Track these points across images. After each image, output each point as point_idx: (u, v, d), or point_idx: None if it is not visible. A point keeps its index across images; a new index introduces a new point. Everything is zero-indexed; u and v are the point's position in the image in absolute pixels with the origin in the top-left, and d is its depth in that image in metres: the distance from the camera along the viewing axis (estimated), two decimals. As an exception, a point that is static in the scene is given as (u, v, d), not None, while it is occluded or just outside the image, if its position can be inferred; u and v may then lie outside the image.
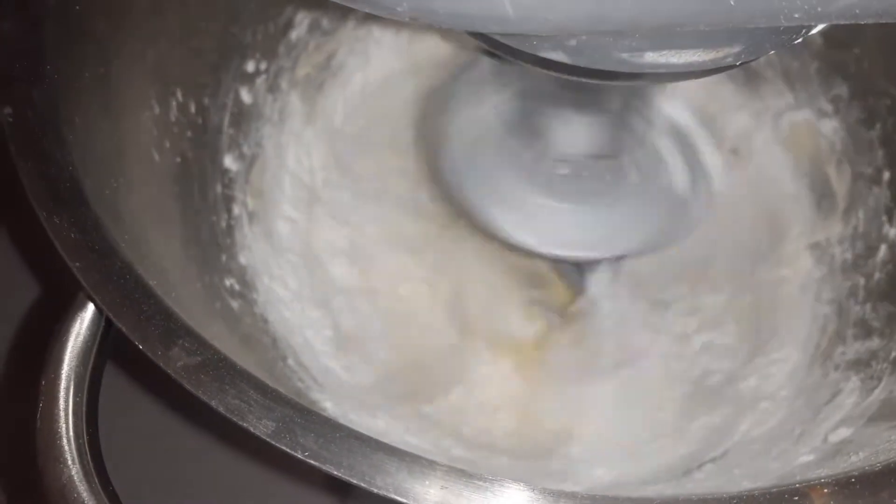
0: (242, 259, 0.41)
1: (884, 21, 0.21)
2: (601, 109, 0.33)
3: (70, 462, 0.22)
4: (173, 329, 0.22)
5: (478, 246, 0.43)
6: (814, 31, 0.25)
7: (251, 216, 0.43)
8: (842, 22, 0.20)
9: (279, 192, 0.46)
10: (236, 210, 0.42)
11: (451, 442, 0.40)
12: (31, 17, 0.29)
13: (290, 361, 0.39)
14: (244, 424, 0.21)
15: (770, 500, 0.20)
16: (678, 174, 0.35)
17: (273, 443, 0.21)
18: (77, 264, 0.23)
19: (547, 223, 0.34)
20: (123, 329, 0.22)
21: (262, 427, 0.21)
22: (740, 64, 0.25)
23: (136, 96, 0.36)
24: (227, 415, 0.21)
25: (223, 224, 0.41)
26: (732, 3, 0.18)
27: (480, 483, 0.20)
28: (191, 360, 0.22)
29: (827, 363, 0.40)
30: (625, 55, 0.23)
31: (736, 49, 0.24)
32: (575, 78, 0.25)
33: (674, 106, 0.38)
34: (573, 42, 0.23)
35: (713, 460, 0.37)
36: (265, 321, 0.40)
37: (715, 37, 0.24)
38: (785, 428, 0.37)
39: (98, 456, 0.23)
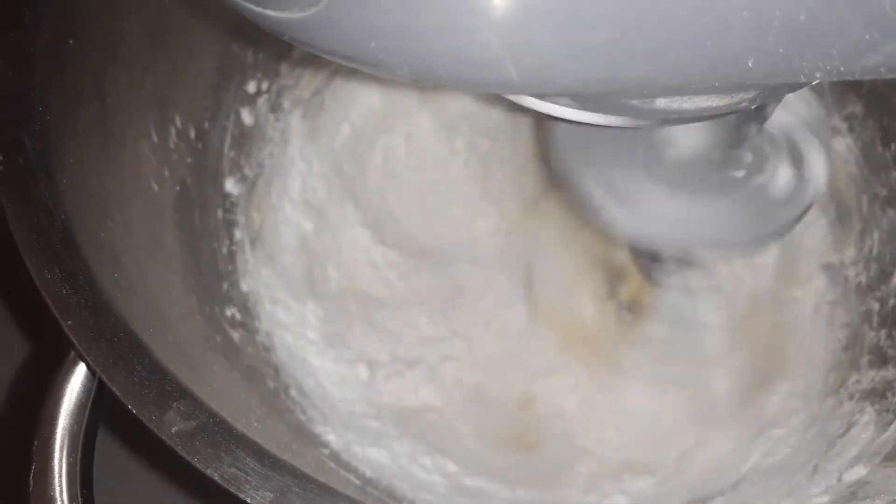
0: (244, 285, 0.41)
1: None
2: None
3: (64, 525, 0.22)
4: (168, 391, 0.22)
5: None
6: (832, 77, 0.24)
7: (253, 240, 0.43)
8: (866, 79, 0.19)
9: (281, 215, 0.45)
10: (238, 234, 0.42)
11: (458, 469, 0.39)
12: (22, 57, 0.28)
13: (293, 392, 0.38)
14: (241, 495, 0.20)
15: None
16: (783, 178, 0.34)
17: (270, 514, 0.20)
18: (69, 323, 0.22)
19: (647, 208, 0.33)
20: (116, 392, 0.22)
21: (259, 498, 0.20)
22: (758, 104, 0.24)
23: (134, 127, 0.35)
24: (224, 485, 0.20)
25: (224, 250, 0.40)
26: (750, 65, 0.17)
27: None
28: (186, 426, 0.21)
29: (841, 391, 0.39)
30: (635, 102, 0.22)
31: (751, 94, 0.23)
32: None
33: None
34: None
35: (723, 493, 0.37)
36: (267, 350, 0.40)
37: (728, 87, 0.23)
38: (798, 460, 0.36)
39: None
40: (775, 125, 0.35)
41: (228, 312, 0.38)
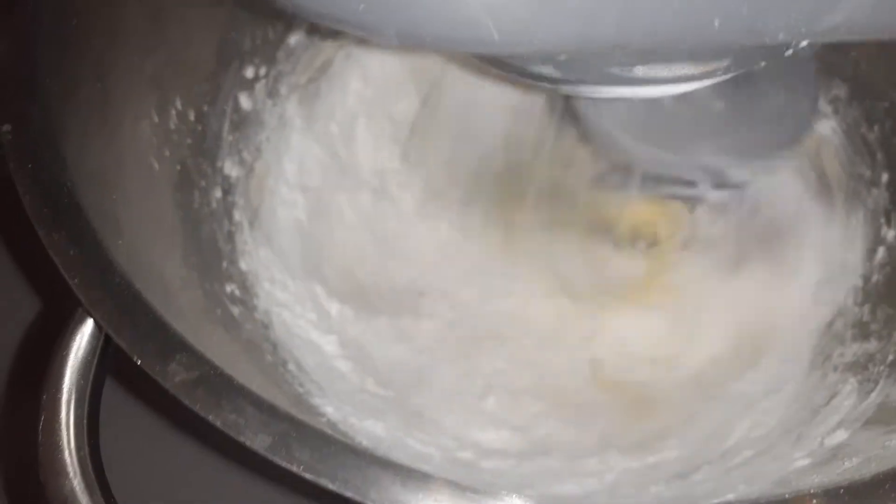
0: (243, 265, 0.42)
1: (869, 39, 0.21)
2: None
3: (72, 474, 0.23)
4: (171, 344, 0.23)
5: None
6: (803, 43, 0.25)
7: (252, 221, 0.44)
8: (827, 41, 0.20)
9: (279, 198, 0.46)
10: (237, 216, 0.43)
11: (454, 444, 0.40)
12: (26, 37, 0.29)
13: (291, 366, 0.39)
14: (241, 439, 0.21)
15: (759, 510, 0.20)
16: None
17: (269, 457, 0.21)
18: (76, 280, 0.23)
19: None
20: (122, 345, 0.22)
21: (258, 441, 0.21)
22: (731, 75, 0.25)
23: (135, 107, 0.36)
24: (224, 429, 0.21)
25: (224, 230, 0.41)
26: (716, 25, 0.18)
27: (475, 496, 0.21)
28: (188, 376, 0.22)
29: (826, 364, 0.40)
30: (615, 69, 0.24)
31: (725, 63, 0.24)
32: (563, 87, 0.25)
33: None
34: (562, 57, 0.23)
35: (710, 462, 0.38)
36: (266, 326, 0.40)
37: (703, 52, 0.24)
38: (783, 429, 0.37)
39: (99, 468, 0.23)
40: None
41: (228, 289, 0.39)
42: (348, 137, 0.49)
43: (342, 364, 0.42)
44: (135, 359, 0.22)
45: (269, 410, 0.22)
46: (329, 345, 0.43)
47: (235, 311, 0.38)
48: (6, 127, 0.26)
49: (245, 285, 0.41)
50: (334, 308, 0.44)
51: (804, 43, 0.25)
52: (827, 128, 0.45)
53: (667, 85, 0.25)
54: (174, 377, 0.22)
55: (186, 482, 0.33)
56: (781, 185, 0.47)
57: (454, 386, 0.43)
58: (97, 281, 0.24)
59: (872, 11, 0.20)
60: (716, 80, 0.26)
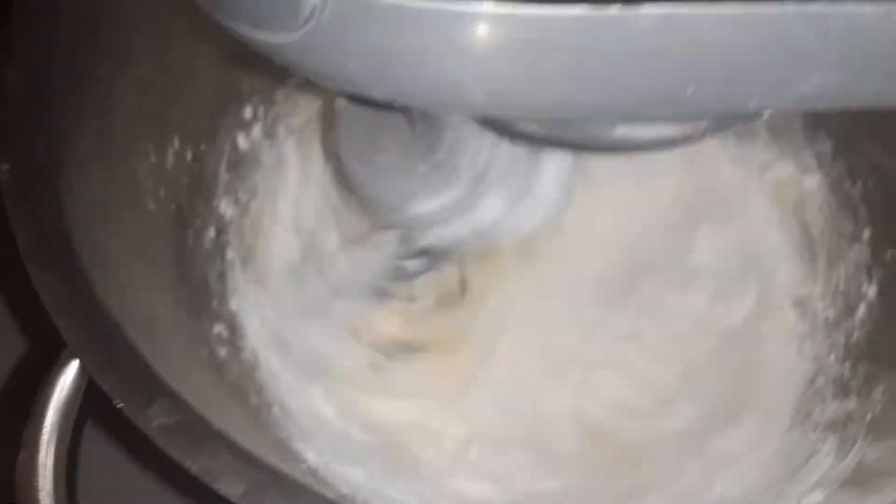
0: (233, 304, 0.42)
1: (839, 108, 0.21)
2: None
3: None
4: (154, 388, 0.23)
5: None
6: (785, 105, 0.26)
7: (245, 260, 0.44)
8: (800, 109, 0.20)
9: (273, 238, 0.46)
10: (230, 255, 0.43)
11: (434, 493, 0.40)
12: (37, 65, 0.30)
13: (276, 409, 0.39)
14: (215, 486, 0.21)
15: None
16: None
17: (243, 505, 0.21)
18: (63, 322, 0.24)
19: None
20: (104, 388, 0.23)
21: (232, 489, 0.21)
22: (709, 137, 0.26)
23: (135, 146, 0.36)
24: (199, 475, 0.22)
25: (216, 269, 0.42)
26: (688, 94, 0.19)
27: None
28: (167, 420, 0.22)
29: (807, 422, 0.40)
30: (597, 130, 0.24)
31: (703, 125, 0.25)
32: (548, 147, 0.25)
33: None
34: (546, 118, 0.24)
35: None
36: (252, 368, 0.41)
37: (683, 114, 0.25)
38: (763, 487, 0.37)
39: (75, 509, 0.23)
40: None
41: (216, 329, 0.39)
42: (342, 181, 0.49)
43: (327, 408, 0.42)
44: (116, 402, 0.23)
45: (245, 457, 0.22)
46: (315, 388, 0.43)
47: (222, 352, 0.38)
48: (5, 166, 0.27)
49: (234, 325, 0.41)
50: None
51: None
52: (812, 182, 0.46)
53: (648, 149, 0.26)
54: (153, 421, 0.22)
55: None
56: (771, 239, 0.47)
57: (438, 431, 0.43)
58: (84, 323, 0.24)
59: (843, 83, 0.20)
60: (696, 143, 0.27)
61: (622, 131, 0.24)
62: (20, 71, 0.30)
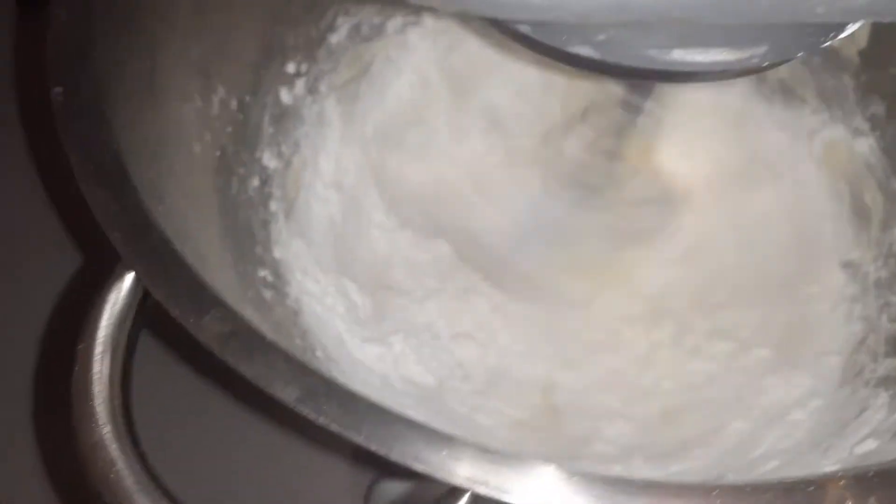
0: (277, 253, 0.42)
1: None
2: None
3: (102, 422, 0.23)
4: (206, 299, 0.23)
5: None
6: (843, 34, 0.25)
7: (287, 213, 0.44)
8: (866, 19, 0.20)
9: (314, 193, 0.47)
10: (273, 206, 0.43)
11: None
12: (84, 7, 0.30)
13: (319, 353, 0.39)
14: (270, 391, 0.21)
15: (784, 488, 0.20)
16: None
17: (297, 408, 0.21)
18: (116, 235, 0.24)
19: None
20: (158, 297, 0.23)
21: (287, 393, 0.21)
22: (766, 66, 0.26)
23: (180, 89, 0.37)
24: (254, 381, 0.22)
25: (260, 218, 0.42)
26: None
27: (498, 458, 0.21)
28: (222, 329, 0.22)
29: (857, 380, 0.39)
30: (652, 52, 0.24)
31: (762, 49, 0.25)
32: (606, 77, 0.25)
33: None
34: (601, 37, 0.24)
35: (736, 471, 0.37)
36: (296, 314, 0.41)
37: (740, 36, 0.24)
38: (812, 441, 0.37)
39: (129, 417, 0.23)
40: None
41: (261, 273, 0.39)
42: (383, 140, 0.49)
43: (368, 359, 0.42)
44: (171, 311, 0.23)
45: (299, 366, 0.22)
46: (356, 339, 0.43)
47: (267, 294, 0.38)
48: (58, 89, 0.27)
49: (278, 272, 0.41)
50: (363, 305, 0.45)
51: (845, 33, 0.26)
52: (864, 145, 0.45)
53: (703, 77, 0.25)
54: (208, 330, 0.22)
55: (212, 432, 0.34)
56: (819, 203, 0.47)
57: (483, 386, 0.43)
58: (137, 236, 0.24)
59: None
60: (751, 73, 0.26)
61: (678, 53, 0.24)
62: (68, 7, 0.31)
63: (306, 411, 0.21)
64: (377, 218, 0.47)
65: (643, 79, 0.25)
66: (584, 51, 0.24)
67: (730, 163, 0.49)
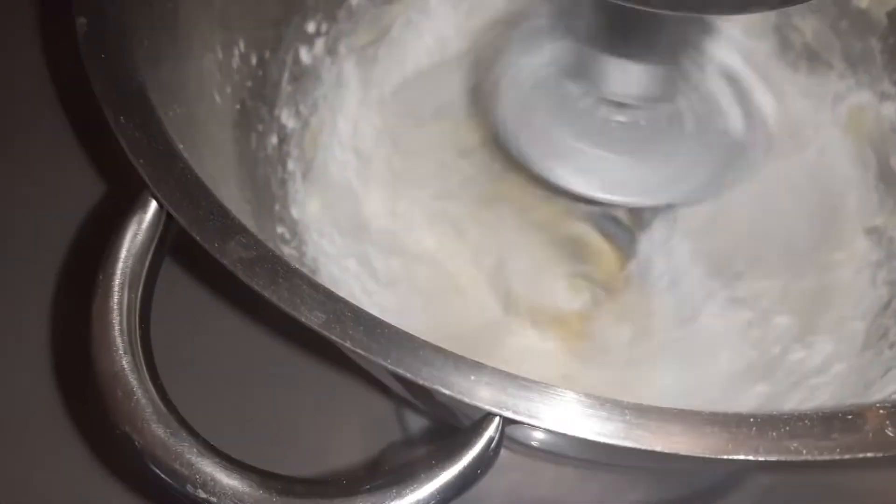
0: (294, 212, 0.42)
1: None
2: (654, 55, 0.33)
3: (121, 353, 0.23)
4: (230, 226, 0.23)
5: (524, 217, 0.43)
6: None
7: (305, 173, 0.44)
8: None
9: (331, 155, 0.46)
10: (291, 165, 0.43)
11: None
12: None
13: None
14: (296, 314, 0.21)
15: (822, 418, 0.20)
16: (734, 118, 0.34)
17: (323, 332, 0.21)
18: (141, 161, 0.24)
19: (604, 171, 0.34)
20: (182, 222, 0.23)
21: (313, 318, 0.21)
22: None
23: (201, 38, 0.36)
24: (279, 304, 0.21)
25: (278, 176, 0.42)
26: None
27: (526, 383, 0.20)
28: (246, 254, 0.22)
29: (881, 342, 0.39)
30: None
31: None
32: (640, 7, 0.24)
33: (725, 52, 0.37)
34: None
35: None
36: (313, 273, 0.40)
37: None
38: (836, 402, 0.36)
39: (148, 348, 0.23)
40: (716, 73, 0.36)
41: (279, 230, 0.39)
42: (401, 105, 0.49)
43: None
44: (195, 236, 0.22)
45: (324, 292, 0.22)
46: (373, 302, 0.43)
47: (285, 250, 0.38)
48: (82, 20, 0.26)
49: (295, 231, 0.41)
50: (380, 267, 0.44)
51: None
52: (891, 109, 0.44)
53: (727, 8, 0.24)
54: (233, 255, 0.22)
55: (233, 362, 0.33)
56: (843, 169, 0.46)
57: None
58: (161, 163, 0.24)
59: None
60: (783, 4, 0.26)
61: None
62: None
63: (332, 336, 0.21)
64: (389, 184, 0.47)
65: (671, 9, 0.24)
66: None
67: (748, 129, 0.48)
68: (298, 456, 0.35)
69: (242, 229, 0.23)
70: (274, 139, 0.42)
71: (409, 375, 0.20)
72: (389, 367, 0.20)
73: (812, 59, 0.48)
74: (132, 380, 0.23)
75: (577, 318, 0.42)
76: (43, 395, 0.32)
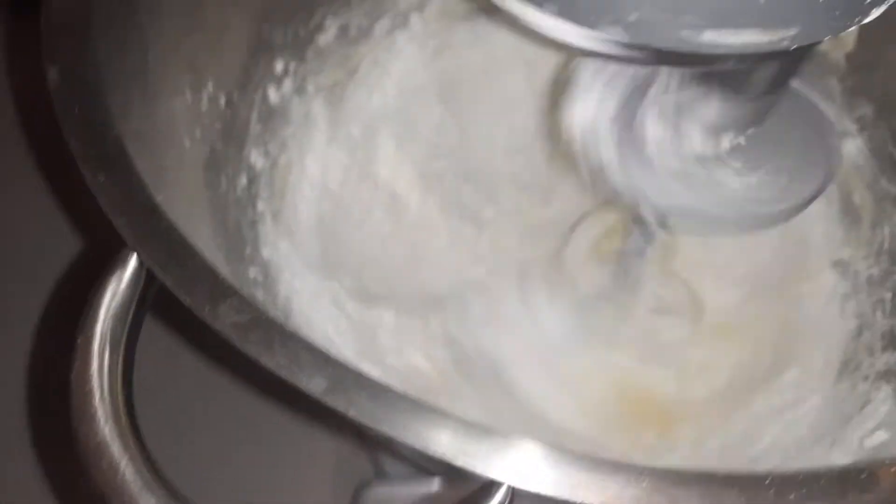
0: (265, 253, 0.41)
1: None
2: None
3: (103, 421, 0.22)
4: (220, 287, 0.22)
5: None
6: (868, 18, 0.25)
7: (275, 214, 0.43)
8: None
9: (300, 194, 0.45)
10: (260, 206, 0.42)
11: None
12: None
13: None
14: (295, 382, 0.20)
15: (836, 477, 0.20)
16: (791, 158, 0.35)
17: (325, 401, 0.20)
18: (122, 220, 0.23)
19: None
20: (170, 285, 0.22)
21: (314, 385, 0.20)
22: (795, 49, 0.25)
23: (171, 83, 0.35)
24: (278, 372, 0.20)
25: (248, 218, 0.41)
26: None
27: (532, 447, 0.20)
28: (240, 318, 0.21)
29: (855, 374, 0.39)
30: (684, 32, 0.23)
31: (792, 31, 0.24)
32: (632, 60, 0.24)
33: None
34: (633, 17, 0.23)
35: (740, 468, 0.37)
36: (286, 315, 0.39)
37: (772, 18, 0.24)
38: (815, 436, 0.36)
39: (132, 414, 0.22)
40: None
41: (251, 273, 0.38)
42: (369, 144, 0.48)
43: (361, 364, 0.41)
44: (183, 300, 0.21)
45: (323, 356, 0.21)
46: (344, 342, 0.42)
47: (259, 294, 0.37)
48: (53, 70, 0.25)
49: (267, 272, 0.40)
50: (350, 307, 0.44)
51: (869, 18, 0.25)
52: (853, 147, 0.45)
53: (733, 60, 0.25)
54: (225, 319, 0.21)
55: (217, 421, 0.32)
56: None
57: (471, 397, 0.42)
58: (143, 222, 0.23)
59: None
60: (782, 53, 0.26)
61: (710, 35, 0.24)
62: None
63: (335, 403, 0.20)
64: (363, 222, 0.46)
65: (668, 63, 0.25)
66: (614, 33, 0.24)
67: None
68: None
69: (233, 291, 0.22)
70: (244, 180, 0.41)
71: (418, 445, 0.19)
72: (396, 436, 0.20)
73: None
74: (115, 449, 0.21)
75: None
76: (25, 468, 0.30)
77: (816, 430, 0.37)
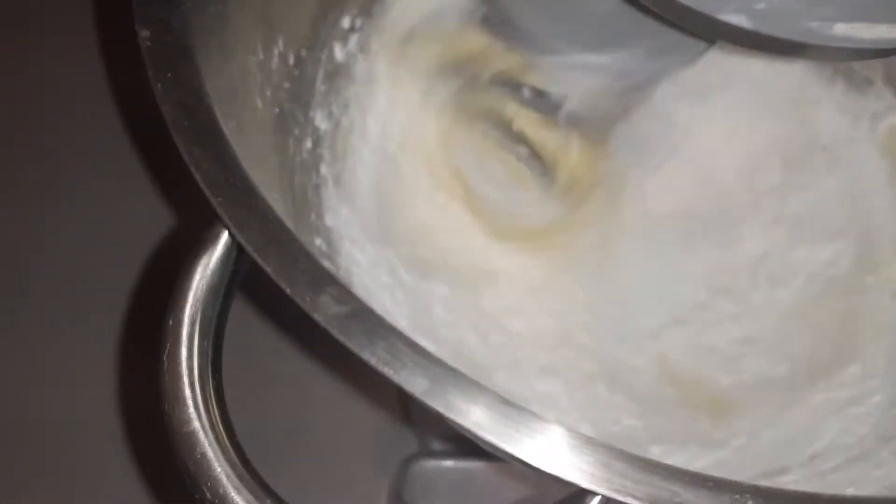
0: (328, 220, 0.40)
1: None
2: None
3: (193, 411, 0.21)
4: (320, 275, 0.21)
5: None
6: None
7: (336, 178, 0.42)
8: None
9: (360, 158, 0.45)
10: (323, 170, 0.41)
11: None
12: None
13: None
14: (396, 379, 0.20)
15: None
16: None
17: (424, 401, 0.20)
18: (219, 199, 0.22)
19: None
20: (269, 271, 0.21)
21: (415, 384, 0.20)
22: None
23: (246, 39, 0.34)
24: (380, 368, 0.20)
25: (312, 182, 0.40)
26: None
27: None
28: (341, 309, 0.21)
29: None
30: (814, 24, 0.22)
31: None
32: (755, 50, 0.23)
33: None
34: (761, 5, 0.22)
35: (801, 465, 0.36)
36: (348, 286, 0.39)
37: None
38: (878, 436, 0.36)
39: (222, 402, 0.22)
40: None
41: (317, 242, 0.37)
42: (428, 105, 0.47)
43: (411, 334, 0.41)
44: (283, 287, 0.21)
45: (423, 353, 0.20)
46: (400, 312, 0.41)
47: (326, 264, 0.36)
48: (145, 32, 0.24)
49: (330, 241, 0.39)
50: (406, 277, 0.43)
51: None
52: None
53: (866, 54, 0.23)
54: (325, 309, 0.20)
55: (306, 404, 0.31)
56: (874, 189, 0.46)
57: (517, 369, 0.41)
58: (240, 202, 0.22)
59: None
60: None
61: (841, 28, 0.22)
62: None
63: (434, 405, 0.20)
64: (422, 188, 0.46)
65: (792, 55, 0.23)
66: (738, 19, 0.22)
67: (783, 145, 0.48)
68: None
69: (332, 280, 0.21)
70: (309, 143, 0.40)
71: (519, 455, 0.19)
72: (495, 442, 0.19)
73: (850, 75, 0.47)
74: (205, 442, 0.21)
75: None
76: (113, 451, 0.29)
77: (880, 430, 0.36)
